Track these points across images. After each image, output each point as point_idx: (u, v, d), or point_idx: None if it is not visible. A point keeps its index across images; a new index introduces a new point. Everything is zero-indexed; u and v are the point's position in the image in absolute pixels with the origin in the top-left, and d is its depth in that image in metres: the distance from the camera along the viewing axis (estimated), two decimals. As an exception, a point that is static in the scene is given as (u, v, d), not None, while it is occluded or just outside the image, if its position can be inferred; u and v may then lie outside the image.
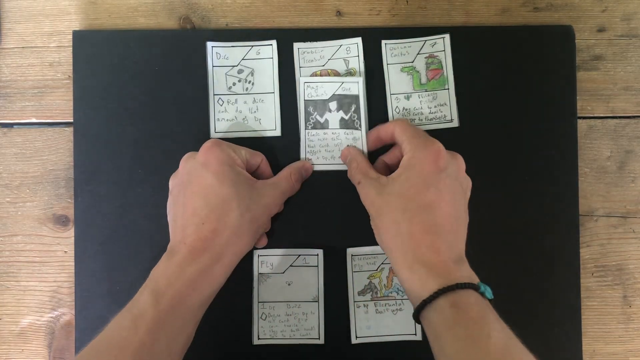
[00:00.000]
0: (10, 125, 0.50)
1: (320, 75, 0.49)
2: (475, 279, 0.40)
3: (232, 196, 0.42)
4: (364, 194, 0.44)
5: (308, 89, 0.49)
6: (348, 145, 0.48)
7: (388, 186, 0.43)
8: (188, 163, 0.44)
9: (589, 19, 0.52)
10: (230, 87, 0.49)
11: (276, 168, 0.48)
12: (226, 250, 0.41)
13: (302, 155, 0.49)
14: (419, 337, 0.48)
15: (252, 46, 0.49)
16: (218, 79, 0.49)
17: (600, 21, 0.52)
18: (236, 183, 0.42)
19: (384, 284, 0.48)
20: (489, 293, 0.39)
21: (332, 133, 0.49)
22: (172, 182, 0.45)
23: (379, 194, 0.43)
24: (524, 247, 0.49)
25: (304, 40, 0.50)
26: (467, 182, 0.45)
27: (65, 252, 0.50)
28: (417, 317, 0.40)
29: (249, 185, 0.44)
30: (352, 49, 0.50)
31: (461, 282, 0.38)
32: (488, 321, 0.37)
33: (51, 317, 0.49)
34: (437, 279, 0.38)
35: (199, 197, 0.42)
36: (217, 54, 0.49)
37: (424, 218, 0.41)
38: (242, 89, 0.49)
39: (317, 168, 0.49)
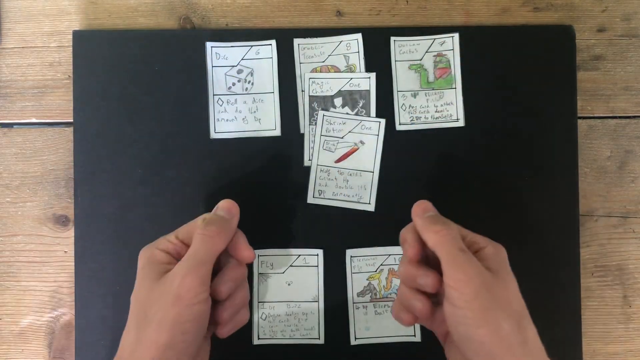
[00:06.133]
0: (10, 125, 0.50)
1: (320, 72, 0.49)
2: None
3: (131, 320, 0.38)
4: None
5: (313, 84, 0.49)
6: None
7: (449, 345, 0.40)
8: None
9: (589, 19, 0.51)
10: (229, 87, 0.49)
11: (276, 168, 0.48)
12: None
13: (307, 152, 0.49)
14: (417, 339, 0.48)
15: (252, 46, 0.49)
16: (218, 79, 0.49)
17: (600, 21, 0.51)
18: (139, 294, 0.39)
19: (383, 285, 0.48)
20: None
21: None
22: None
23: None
24: (524, 247, 0.49)
25: (304, 40, 0.50)
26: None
27: (65, 252, 0.50)
28: None
29: (158, 282, 0.38)
30: (352, 45, 0.49)
31: None
32: None
33: (51, 317, 0.49)
34: None
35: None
36: (217, 54, 0.49)
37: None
38: (241, 89, 0.49)
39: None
